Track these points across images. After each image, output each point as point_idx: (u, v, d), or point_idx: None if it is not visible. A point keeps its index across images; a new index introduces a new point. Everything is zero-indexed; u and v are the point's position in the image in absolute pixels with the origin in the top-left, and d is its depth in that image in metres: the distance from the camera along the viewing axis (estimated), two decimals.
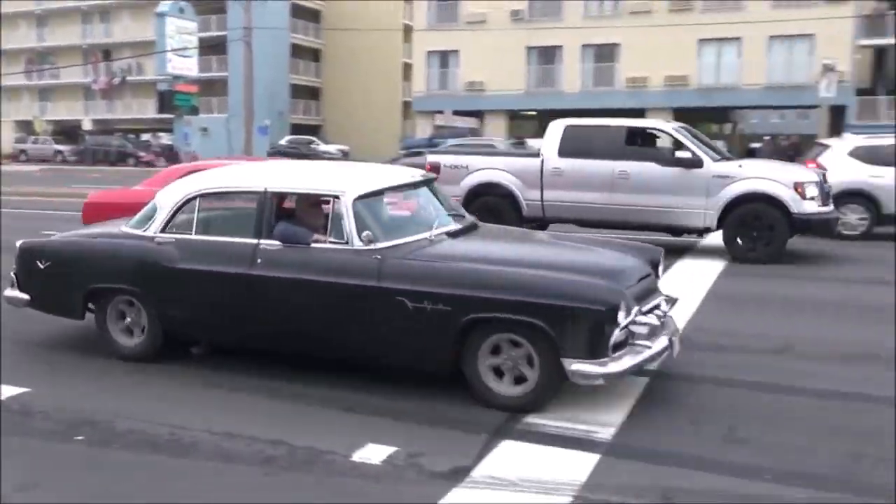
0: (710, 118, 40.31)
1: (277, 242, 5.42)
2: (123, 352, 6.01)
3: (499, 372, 4.94)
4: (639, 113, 38.62)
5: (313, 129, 57.51)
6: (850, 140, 13.97)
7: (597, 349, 4.63)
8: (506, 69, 40.78)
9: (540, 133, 43.18)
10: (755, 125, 49.68)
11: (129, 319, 6.02)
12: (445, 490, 3.86)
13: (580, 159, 11.32)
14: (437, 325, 4.89)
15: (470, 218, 6.17)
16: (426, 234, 5.43)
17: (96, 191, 11.55)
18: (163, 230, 5.81)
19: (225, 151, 43.05)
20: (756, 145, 38.52)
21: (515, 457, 4.26)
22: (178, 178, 9.63)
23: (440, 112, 39.82)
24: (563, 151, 11.46)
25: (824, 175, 11.43)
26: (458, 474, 4.02)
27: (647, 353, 4.85)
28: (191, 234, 5.72)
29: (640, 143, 11.46)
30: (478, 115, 42.07)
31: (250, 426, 4.67)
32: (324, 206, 5.74)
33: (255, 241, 5.47)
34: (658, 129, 11.59)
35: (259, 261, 5.41)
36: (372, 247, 5.15)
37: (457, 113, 39.94)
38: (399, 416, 4.85)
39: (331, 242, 5.31)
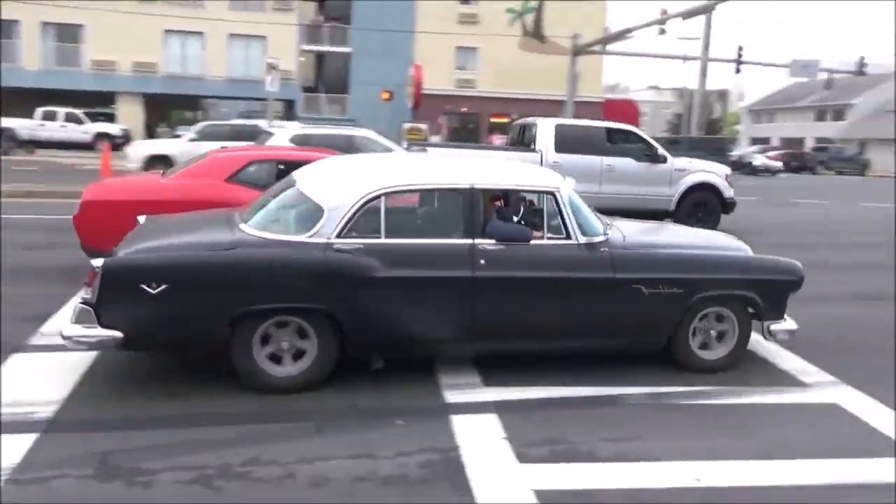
0: (180, 105, 39.69)
1: (493, 241, 4.79)
2: (279, 383, 4.59)
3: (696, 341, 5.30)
4: (108, 97, 36.19)
5: None
6: (291, 128, 15.13)
7: (783, 311, 5.42)
8: None
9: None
10: (225, 113, 50.57)
11: (284, 344, 4.60)
12: None
13: (574, 154, 12.04)
14: (668, 306, 5.09)
15: None
16: (608, 225, 5.35)
17: (96, 184, 7.69)
18: (341, 234, 4.55)
19: None
20: None
21: None
22: (236, 167, 7.10)
23: None
24: (559, 147, 12.10)
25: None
26: None
27: None
28: (380, 237, 4.63)
29: (615, 141, 12.52)
30: None
31: None
32: (496, 202, 5.41)
33: (469, 240, 4.75)
34: (628, 131, 12.92)
35: (482, 262, 4.73)
36: (597, 240, 5.02)
37: None
38: None
39: (549, 238, 4.97)
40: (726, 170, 13.40)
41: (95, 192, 7.18)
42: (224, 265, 4.45)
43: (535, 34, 32.89)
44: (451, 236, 4.79)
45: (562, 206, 4.98)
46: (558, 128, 12.40)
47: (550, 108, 37.66)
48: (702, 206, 12.67)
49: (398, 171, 4.98)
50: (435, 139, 30.31)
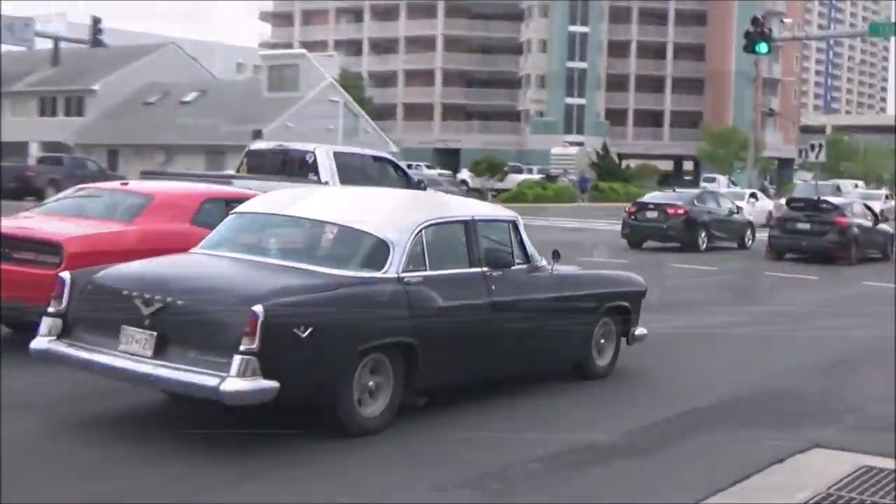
0: None
1: (489, 269, 5.38)
2: (367, 425, 4.67)
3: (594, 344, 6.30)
4: None
5: None
6: None
7: (639, 319, 6.57)
8: None
9: None
10: None
11: (371, 384, 4.71)
12: None
13: (355, 185, 12.47)
14: (589, 319, 6.10)
15: None
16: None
17: (76, 235, 6.89)
18: (405, 269, 4.89)
19: None
20: None
21: None
22: (195, 207, 7.37)
23: None
24: (343, 179, 12.83)
25: None
26: None
27: None
28: (426, 269, 5.03)
29: (381, 168, 14.28)
30: None
31: None
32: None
33: (479, 269, 5.34)
34: (386, 158, 15.31)
35: (493, 287, 5.33)
36: (542, 263, 5.84)
37: None
38: None
39: (518, 263, 5.63)
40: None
41: (79, 242, 6.72)
42: (350, 304, 4.60)
43: None
44: (464, 265, 5.29)
45: (522, 234, 5.70)
46: (337, 156, 13.37)
47: None
48: None
49: (432, 206, 6.00)
50: None
